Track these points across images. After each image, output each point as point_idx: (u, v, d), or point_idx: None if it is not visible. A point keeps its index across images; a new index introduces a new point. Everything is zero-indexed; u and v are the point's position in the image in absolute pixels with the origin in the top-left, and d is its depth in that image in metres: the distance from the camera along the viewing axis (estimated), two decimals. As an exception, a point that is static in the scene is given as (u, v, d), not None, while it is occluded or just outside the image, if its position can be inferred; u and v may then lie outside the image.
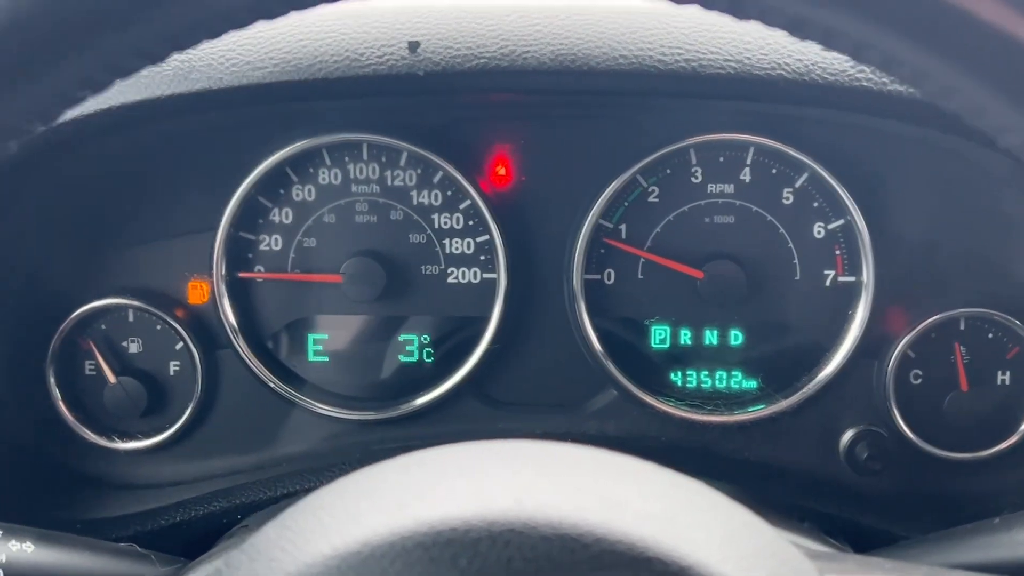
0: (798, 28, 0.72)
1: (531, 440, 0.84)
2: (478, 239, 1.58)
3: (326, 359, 1.62)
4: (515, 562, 0.66)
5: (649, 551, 0.66)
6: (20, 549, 1.20)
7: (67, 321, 1.55)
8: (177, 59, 1.32)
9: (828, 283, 1.57)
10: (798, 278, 1.57)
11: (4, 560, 1.18)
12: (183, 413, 1.58)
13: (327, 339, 1.62)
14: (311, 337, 1.62)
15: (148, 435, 1.59)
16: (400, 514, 0.69)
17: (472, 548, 0.66)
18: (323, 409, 1.59)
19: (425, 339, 1.62)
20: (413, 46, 1.29)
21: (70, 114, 1.30)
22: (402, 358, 1.63)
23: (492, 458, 0.79)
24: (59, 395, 1.57)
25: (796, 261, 1.57)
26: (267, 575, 0.72)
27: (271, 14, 0.72)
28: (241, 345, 1.57)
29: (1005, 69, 0.66)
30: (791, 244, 1.56)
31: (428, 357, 1.62)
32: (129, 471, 1.60)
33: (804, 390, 1.56)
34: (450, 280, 1.60)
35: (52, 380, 1.56)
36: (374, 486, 0.77)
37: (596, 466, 0.78)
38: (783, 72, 1.29)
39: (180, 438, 1.59)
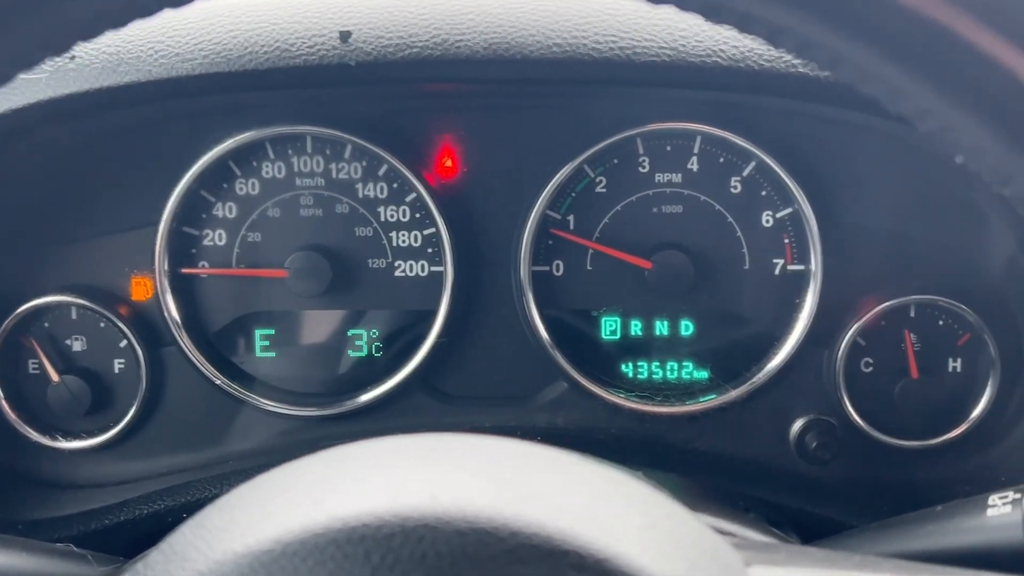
0: (712, 13, 0.71)
1: (449, 433, 0.83)
2: (425, 232, 1.57)
3: (273, 355, 1.60)
4: (429, 557, 0.64)
5: (566, 544, 0.65)
6: (-49, 551, 1.18)
7: (9, 319, 1.53)
8: (105, 52, 1.30)
9: (777, 272, 1.56)
10: (747, 267, 1.56)
11: (-66, 562, 1.16)
12: (128, 412, 1.56)
13: (274, 334, 1.60)
14: (258, 333, 1.60)
15: (92, 434, 1.57)
16: (313, 511, 0.68)
17: (385, 544, 0.65)
18: (270, 406, 1.57)
19: (374, 333, 1.60)
20: (344, 35, 1.28)
21: (-3, 109, 1.29)
22: (351, 353, 1.61)
23: (409, 452, 0.78)
24: (1, 394, 1.55)
25: (745, 250, 1.56)
26: (180, 575, 0.71)
27: (176, 2, 0.70)
28: (186, 342, 1.55)
29: (922, 52, 0.65)
30: (739, 233, 1.55)
31: (377, 351, 1.61)
32: (73, 470, 1.58)
33: (754, 380, 1.55)
34: (397, 273, 1.58)
35: (-6, 377, 1.55)
36: (290, 483, 0.76)
37: (514, 458, 0.77)
38: (718, 59, 1.28)
39: (125, 437, 1.57)
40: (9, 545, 1.27)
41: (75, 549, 1.31)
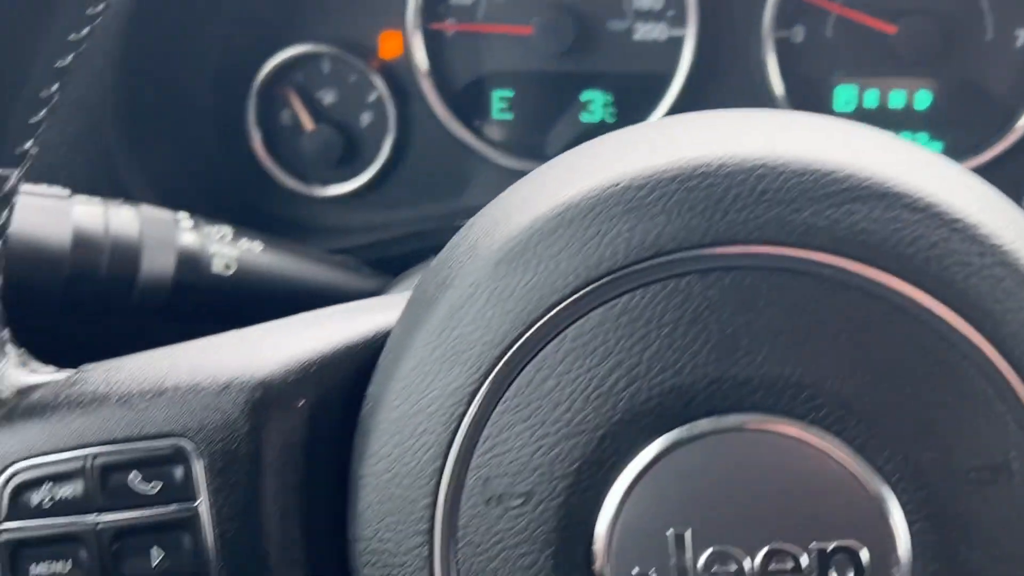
0: None
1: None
2: (667, -6, 1.59)
3: (511, 116, 1.64)
4: (768, 193, 0.68)
5: (900, 186, 0.69)
6: (249, 248, 1.26)
7: (266, 64, 1.60)
8: None
9: (1020, 43, 1.56)
10: (990, 37, 1.56)
11: (237, 255, 1.24)
12: (375, 163, 1.62)
13: (512, 96, 1.64)
14: (496, 94, 1.64)
15: (340, 182, 1.63)
16: (654, 156, 0.72)
17: (726, 180, 0.68)
18: (508, 163, 1.62)
19: (608, 98, 1.63)
20: None
21: None
22: (583, 118, 1.64)
23: (737, 115, 0.81)
24: (257, 137, 1.61)
25: (988, 20, 1.55)
26: (536, 204, 0.74)
27: None
28: (431, 98, 1.60)
29: None
30: (984, 2, 1.55)
31: (611, 117, 1.64)
32: (321, 216, 1.65)
33: (991, 150, 1.56)
34: (637, 36, 1.61)
35: (252, 120, 1.61)
36: (624, 141, 0.79)
37: (840, 125, 0.80)
38: None
39: (371, 187, 1.63)
40: (296, 250, 1.35)
41: (353, 261, 1.38)
